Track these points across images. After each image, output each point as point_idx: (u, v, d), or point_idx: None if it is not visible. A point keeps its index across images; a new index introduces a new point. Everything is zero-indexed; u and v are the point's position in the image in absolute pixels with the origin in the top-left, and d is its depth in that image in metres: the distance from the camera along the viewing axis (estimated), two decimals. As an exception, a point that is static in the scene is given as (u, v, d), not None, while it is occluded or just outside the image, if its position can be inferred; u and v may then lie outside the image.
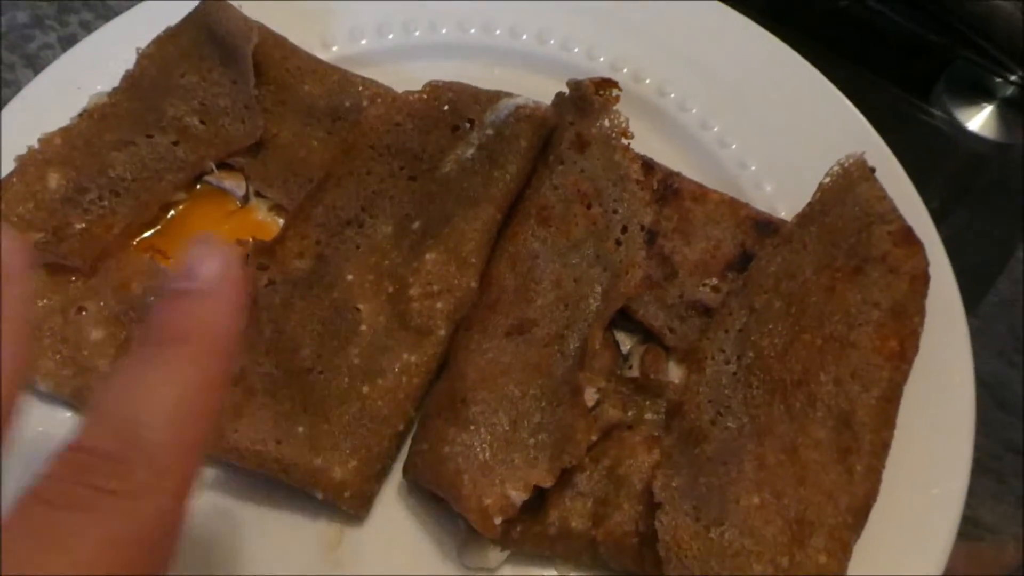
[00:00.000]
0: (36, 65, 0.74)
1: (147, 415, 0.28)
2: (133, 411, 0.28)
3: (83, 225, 0.54)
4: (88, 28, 0.75)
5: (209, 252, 0.31)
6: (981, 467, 0.60)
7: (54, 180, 0.55)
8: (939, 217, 0.58)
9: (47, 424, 0.51)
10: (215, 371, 0.30)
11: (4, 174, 0.56)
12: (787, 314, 0.51)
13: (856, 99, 0.62)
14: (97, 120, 0.58)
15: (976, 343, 0.55)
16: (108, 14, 0.76)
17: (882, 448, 0.48)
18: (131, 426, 0.28)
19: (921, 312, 0.50)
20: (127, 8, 0.75)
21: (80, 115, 0.58)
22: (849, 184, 0.54)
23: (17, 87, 0.72)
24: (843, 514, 0.46)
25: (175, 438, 0.28)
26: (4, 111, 0.60)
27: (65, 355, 0.51)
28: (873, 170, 0.54)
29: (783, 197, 0.60)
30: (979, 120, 0.73)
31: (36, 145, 0.56)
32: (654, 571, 0.46)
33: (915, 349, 0.50)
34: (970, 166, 0.73)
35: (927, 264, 0.51)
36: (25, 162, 0.56)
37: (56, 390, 0.51)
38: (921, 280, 0.51)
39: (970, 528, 0.59)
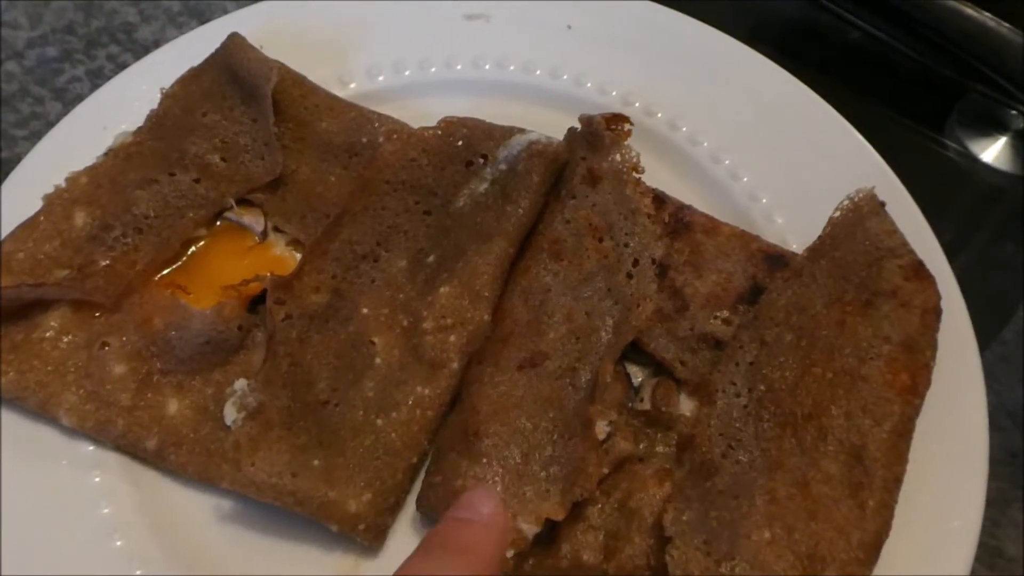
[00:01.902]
0: (64, 98, 0.76)
1: None
2: None
3: (107, 262, 0.56)
4: (115, 61, 0.78)
5: (485, 495, 0.41)
6: (1005, 497, 0.59)
7: (80, 218, 0.57)
8: (954, 249, 0.59)
9: (69, 457, 0.52)
10: None
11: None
12: (797, 347, 0.52)
13: (869, 132, 0.63)
14: (122, 159, 0.60)
15: (999, 373, 0.55)
16: (135, 48, 0.79)
17: (894, 483, 0.47)
18: None
19: (933, 346, 0.50)
20: (153, 41, 0.78)
21: (106, 154, 0.60)
22: (859, 218, 0.54)
23: (46, 119, 0.74)
24: (855, 549, 0.46)
25: None
26: (33, 151, 0.62)
27: (88, 390, 0.52)
28: (883, 204, 0.55)
29: (794, 230, 0.60)
30: (992, 152, 0.73)
31: (63, 184, 0.58)
32: (665, 606, 0.46)
33: (927, 383, 0.50)
34: (984, 198, 0.73)
35: (939, 298, 0.51)
36: (52, 201, 0.57)
37: (79, 425, 0.52)
38: (932, 314, 0.51)
39: (994, 559, 0.59)
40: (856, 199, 0.55)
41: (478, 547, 0.38)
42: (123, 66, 0.76)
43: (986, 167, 0.72)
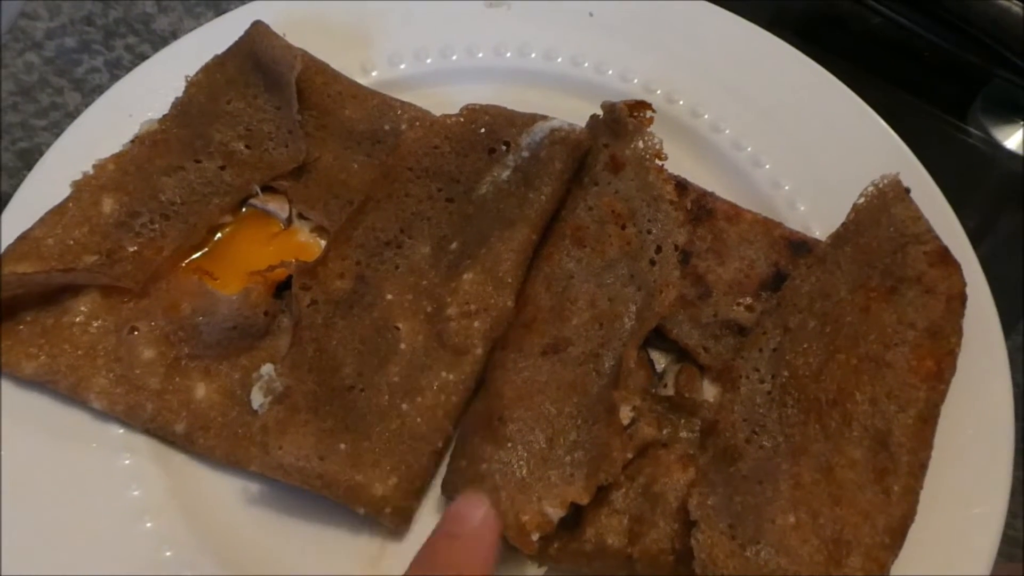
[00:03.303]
0: (83, 88, 0.76)
1: None
2: None
3: (135, 248, 0.56)
4: (133, 52, 0.78)
5: (474, 504, 0.40)
6: (1026, 487, 0.59)
7: (108, 205, 0.57)
8: (978, 236, 0.58)
9: (100, 440, 0.53)
10: None
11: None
12: (822, 334, 0.52)
13: (892, 119, 0.63)
14: (148, 146, 0.60)
15: (1020, 361, 0.54)
16: (152, 38, 0.79)
17: (919, 469, 0.47)
18: None
19: (958, 332, 0.50)
20: (171, 32, 0.79)
21: (132, 141, 0.61)
22: (883, 204, 0.54)
23: (66, 110, 0.75)
24: (880, 534, 0.46)
25: None
26: (60, 139, 0.63)
27: (118, 374, 0.53)
28: (908, 190, 0.54)
29: (817, 216, 0.60)
30: (1016, 139, 0.72)
31: (91, 171, 0.59)
32: (690, 589, 0.47)
33: (952, 369, 0.50)
34: (1008, 185, 0.72)
35: (964, 284, 0.51)
36: (80, 187, 0.58)
37: (109, 408, 0.53)
38: (958, 300, 0.51)
39: (1014, 549, 0.59)
40: (881, 185, 0.55)
41: (466, 563, 0.39)
42: (141, 56, 0.76)
43: (1010, 154, 0.72)
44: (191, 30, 0.70)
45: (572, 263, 0.57)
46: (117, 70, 0.77)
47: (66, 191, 0.58)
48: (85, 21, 0.80)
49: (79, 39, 0.79)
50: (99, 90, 0.72)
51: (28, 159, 0.62)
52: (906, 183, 0.55)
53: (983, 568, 0.48)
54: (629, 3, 0.69)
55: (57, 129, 0.71)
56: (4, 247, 0.56)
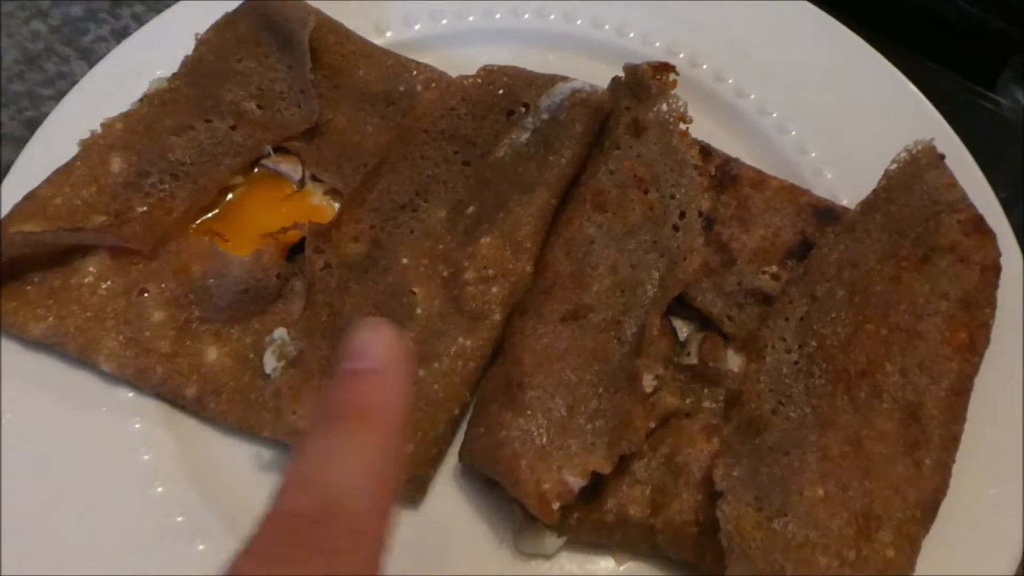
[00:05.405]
0: (90, 58, 0.74)
1: (342, 483, 0.31)
2: (330, 479, 0.31)
3: (144, 208, 0.55)
4: (140, 20, 0.76)
5: (376, 334, 0.34)
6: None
7: (116, 164, 0.56)
8: (1008, 206, 0.57)
9: (110, 404, 0.52)
10: (394, 441, 0.33)
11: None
12: (850, 303, 0.50)
13: (920, 88, 0.61)
14: (157, 105, 0.58)
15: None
16: (159, 7, 0.76)
17: (952, 442, 0.46)
18: (330, 493, 0.31)
19: (992, 303, 0.49)
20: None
21: (141, 100, 0.59)
22: (916, 171, 0.53)
23: (72, 79, 0.72)
24: (911, 509, 0.45)
25: (369, 503, 0.31)
26: (67, 97, 0.61)
27: (128, 336, 0.52)
28: (942, 156, 0.53)
29: (844, 184, 0.59)
30: (1049, 107, 0.70)
31: (99, 130, 0.57)
32: (714, 561, 0.45)
33: (986, 342, 0.49)
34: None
35: (998, 254, 0.50)
36: (88, 146, 0.56)
37: (118, 371, 0.52)
38: (992, 271, 0.49)
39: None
40: (914, 151, 0.53)
41: (380, 405, 0.32)
42: (149, 25, 0.74)
43: (1040, 123, 0.70)
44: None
45: (593, 228, 0.55)
46: (124, 39, 0.75)
47: (73, 151, 0.56)
48: (91, -11, 0.78)
49: (85, 7, 0.77)
50: (106, 60, 0.70)
51: (35, 128, 0.60)
52: (939, 150, 0.53)
53: (1016, 546, 0.47)
54: (652, -36, 0.67)
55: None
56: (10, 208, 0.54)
